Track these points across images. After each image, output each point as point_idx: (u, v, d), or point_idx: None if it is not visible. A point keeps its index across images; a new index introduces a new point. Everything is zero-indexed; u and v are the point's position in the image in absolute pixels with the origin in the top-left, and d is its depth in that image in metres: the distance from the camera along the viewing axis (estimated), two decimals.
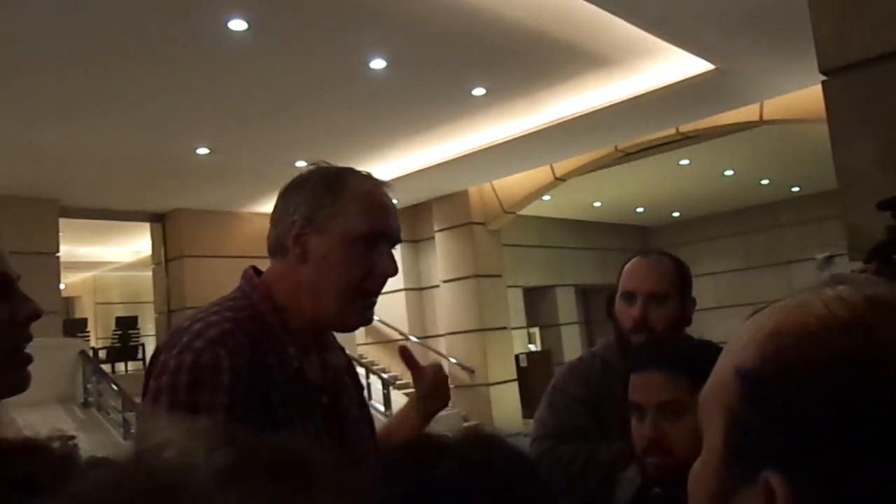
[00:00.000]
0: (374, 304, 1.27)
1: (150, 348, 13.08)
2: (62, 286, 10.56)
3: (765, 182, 13.48)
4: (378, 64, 6.46)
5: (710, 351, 1.34)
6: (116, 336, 12.74)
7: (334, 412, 1.28)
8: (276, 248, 1.25)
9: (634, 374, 1.31)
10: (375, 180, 1.28)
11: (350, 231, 1.21)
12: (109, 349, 12.66)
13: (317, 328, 1.25)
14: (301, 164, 8.91)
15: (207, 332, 1.14)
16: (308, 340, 1.25)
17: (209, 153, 8.42)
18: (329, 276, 1.21)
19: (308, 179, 1.27)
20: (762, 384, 0.47)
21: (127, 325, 12.86)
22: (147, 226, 11.45)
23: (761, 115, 8.73)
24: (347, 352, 1.48)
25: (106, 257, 15.99)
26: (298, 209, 1.23)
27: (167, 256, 11.12)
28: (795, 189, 14.18)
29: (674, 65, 7.06)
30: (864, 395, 0.44)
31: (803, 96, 7.75)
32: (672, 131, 9.41)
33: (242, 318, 1.19)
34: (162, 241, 11.19)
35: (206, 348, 1.12)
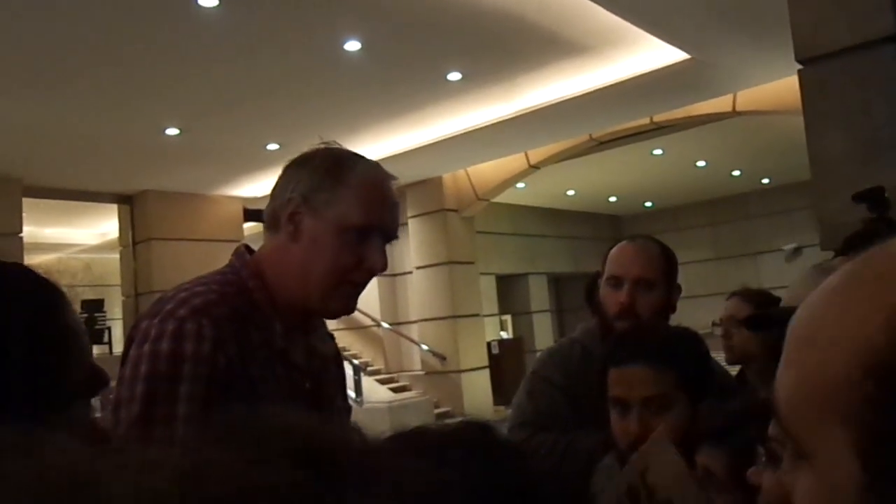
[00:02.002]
0: (358, 293, 1.24)
1: (116, 332, 12.88)
2: None
3: (736, 173, 13.63)
4: (353, 46, 6.36)
5: (692, 340, 1.32)
6: (82, 319, 12.52)
7: (316, 400, 1.25)
8: (271, 222, 1.23)
9: (615, 369, 1.27)
10: (382, 172, 1.26)
11: (344, 219, 1.18)
12: None
13: (303, 310, 1.23)
14: (273, 146, 8.77)
15: (192, 301, 1.13)
16: (295, 322, 1.23)
17: (179, 134, 8.25)
18: (316, 260, 1.19)
19: (313, 157, 1.25)
20: None
21: (93, 308, 12.64)
22: (114, 207, 11.22)
23: (734, 107, 8.80)
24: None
25: (72, 239, 15.66)
26: (298, 187, 1.21)
27: (135, 239, 10.92)
28: (765, 181, 14.36)
29: (649, 54, 7.06)
30: None
31: (775, 88, 7.81)
32: (646, 121, 9.44)
33: (229, 291, 1.18)
34: (130, 222, 10.98)
35: (190, 317, 1.10)
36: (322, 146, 1.28)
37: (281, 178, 1.25)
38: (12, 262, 0.84)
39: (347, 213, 1.18)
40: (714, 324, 2.59)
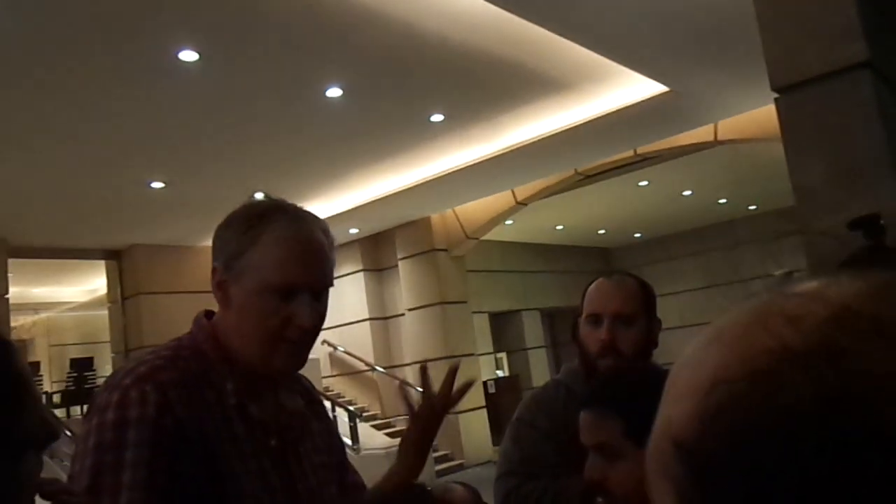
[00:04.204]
0: (302, 349, 1.22)
1: None
2: (12, 328, 10.20)
3: (722, 201, 13.71)
4: (334, 92, 6.40)
5: (648, 382, 1.24)
6: (71, 378, 12.36)
7: (283, 456, 1.23)
8: (212, 288, 1.25)
9: (581, 412, 1.25)
10: (300, 223, 1.22)
11: (263, 282, 1.17)
12: (64, 392, 12.26)
13: (256, 369, 1.22)
14: (259, 195, 8.76)
15: (137, 370, 1.13)
16: (257, 379, 1.23)
17: (164, 187, 8.25)
18: (246, 326, 1.19)
19: (232, 219, 1.24)
20: (706, 460, 0.34)
21: (82, 366, 12.50)
22: (102, 263, 11.16)
23: (716, 136, 8.89)
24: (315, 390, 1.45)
25: (60, 297, 15.54)
26: (220, 254, 1.21)
27: (123, 294, 10.84)
28: (752, 207, 14.45)
29: (629, 88, 7.15)
30: (853, 454, 0.31)
31: (755, 116, 7.91)
32: (630, 153, 9.52)
33: (182, 355, 1.19)
34: (118, 278, 10.91)
35: (133, 385, 1.11)
36: (246, 202, 1.26)
37: (212, 244, 1.25)
38: None
39: (265, 275, 1.16)
40: None
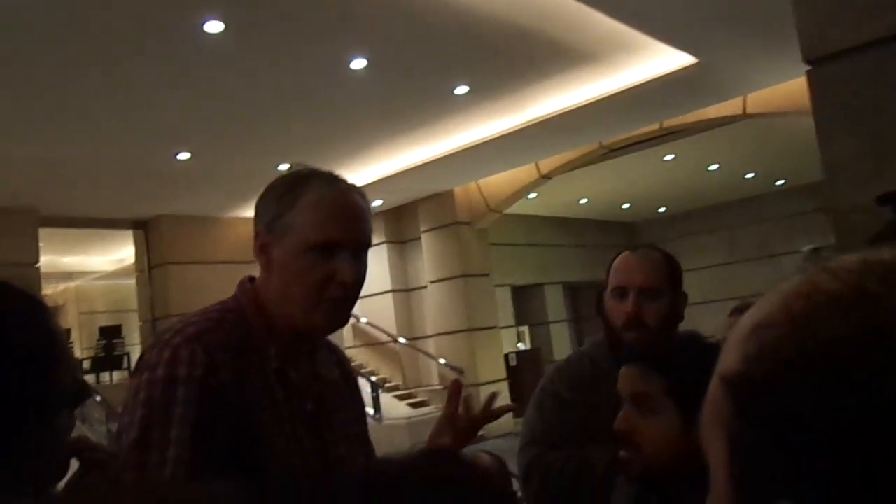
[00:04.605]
0: (344, 306, 1.24)
1: (135, 357, 12.95)
2: (44, 296, 10.41)
3: (749, 176, 13.53)
4: (359, 64, 6.39)
5: (696, 349, 1.26)
6: (100, 346, 12.62)
7: (317, 422, 1.26)
8: (254, 254, 1.27)
9: (623, 367, 1.27)
10: (339, 186, 1.26)
11: (304, 240, 1.20)
12: (93, 359, 12.53)
13: (297, 332, 1.25)
14: (284, 167, 8.77)
15: (187, 330, 1.17)
16: (295, 345, 1.26)
17: (190, 158, 8.32)
18: (289, 285, 1.22)
19: (272, 186, 1.27)
20: (751, 391, 0.37)
21: (111, 334, 12.75)
22: (130, 233, 11.33)
23: (744, 109, 8.75)
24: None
25: (89, 266, 15.82)
26: (262, 218, 1.25)
27: (150, 264, 11.00)
28: (780, 182, 14.24)
29: (656, 60, 7.04)
30: (880, 384, 0.33)
31: (785, 89, 7.76)
32: (656, 126, 9.41)
33: (228, 319, 1.22)
34: (145, 248, 11.08)
35: (184, 344, 1.14)
36: (286, 172, 1.30)
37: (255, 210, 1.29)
38: None
39: (306, 233, 1.20)
40: None
